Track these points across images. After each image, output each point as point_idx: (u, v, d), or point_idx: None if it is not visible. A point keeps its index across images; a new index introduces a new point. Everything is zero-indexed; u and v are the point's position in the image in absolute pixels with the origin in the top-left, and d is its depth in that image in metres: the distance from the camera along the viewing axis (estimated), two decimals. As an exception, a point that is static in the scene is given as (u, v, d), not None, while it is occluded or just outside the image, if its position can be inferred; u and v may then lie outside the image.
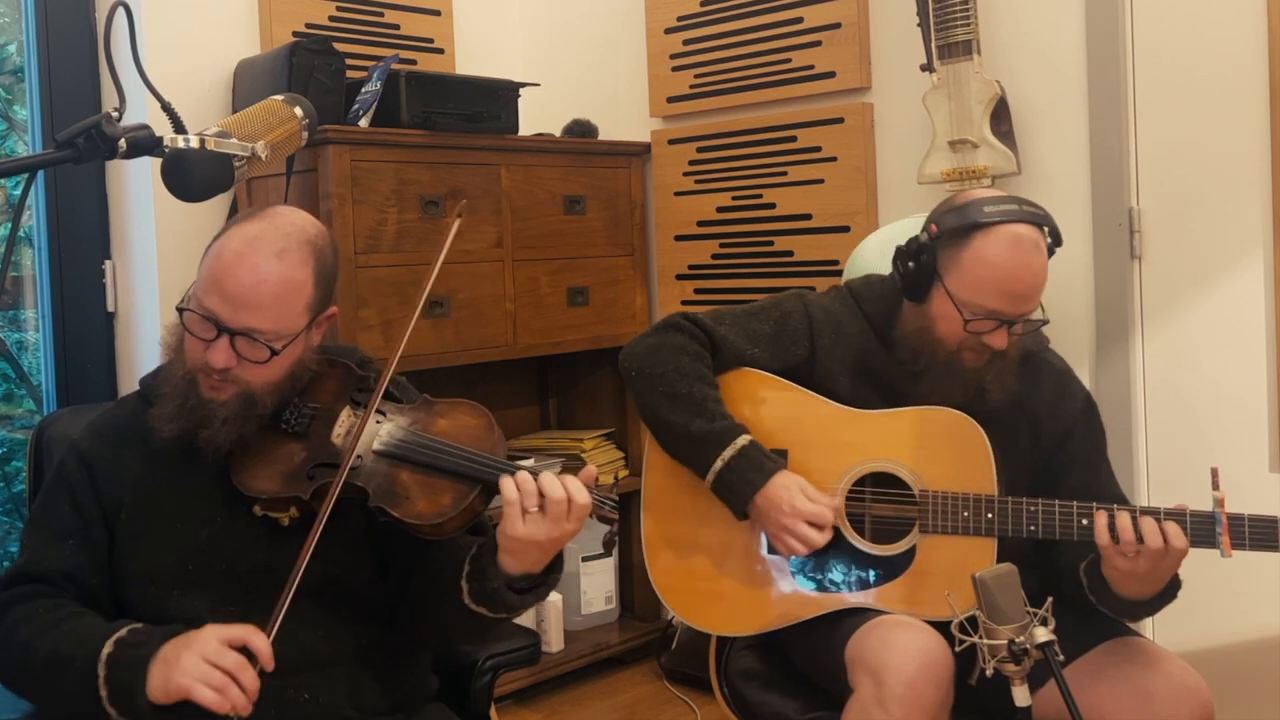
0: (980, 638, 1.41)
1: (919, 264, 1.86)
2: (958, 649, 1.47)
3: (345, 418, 1.60)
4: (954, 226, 1.82)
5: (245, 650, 1.41)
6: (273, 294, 1.51)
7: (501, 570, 1.50)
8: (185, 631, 1.45)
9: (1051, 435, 1.92)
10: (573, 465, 3.36)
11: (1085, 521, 1.74)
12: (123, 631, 1.47)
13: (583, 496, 1.48)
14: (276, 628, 1.44)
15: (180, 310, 1.55)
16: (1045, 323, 1.86)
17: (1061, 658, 1.40)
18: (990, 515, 1.80)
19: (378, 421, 1.59)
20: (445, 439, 1.56)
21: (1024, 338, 1.87)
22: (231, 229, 1.56)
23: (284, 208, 1.61)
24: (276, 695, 1.54)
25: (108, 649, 1.44)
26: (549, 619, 3.25)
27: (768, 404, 1.97)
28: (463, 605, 1.53)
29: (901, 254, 1.90)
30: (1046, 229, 1.83)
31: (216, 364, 1.51)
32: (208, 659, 1.39)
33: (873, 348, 1.96)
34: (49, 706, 1.55)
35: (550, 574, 1.55)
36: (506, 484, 1.47)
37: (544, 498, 1.46)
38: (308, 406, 1.60)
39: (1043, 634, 1.40)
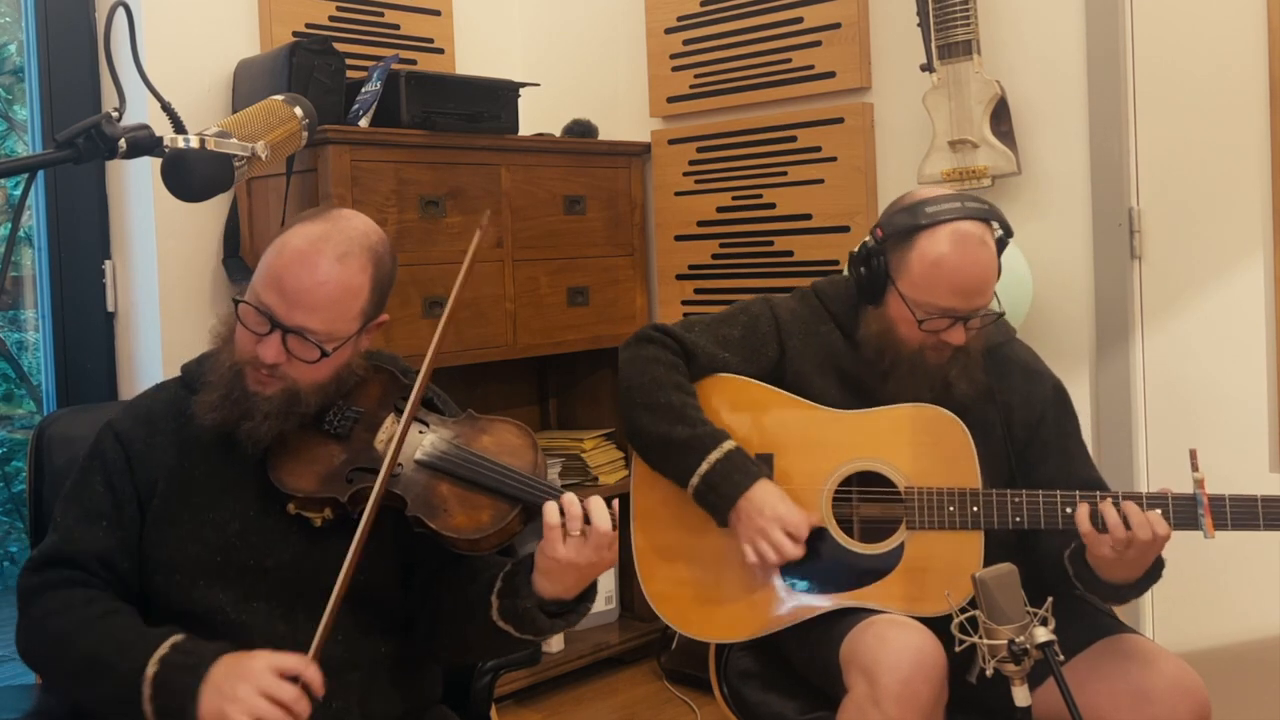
0: (980, 638, 1.42)
1: (870, 268, 1.88)
2: (958, 649, 1.47)
3: (389, 424, 1.60)
4: (899, 229, 1.84)
5: (297, 680, 1.40)
6: (330, 296, 1.51)
7: (535, 591, 1.50)
8: (232, 651, 1.43)
9: (1024, 423, 1.94)
10: (573, 465, 3.36)
11: (1069, 510, 1.76)
12: (165, 649, 1.44)
13: (606, 524, 1.47)
14: (319, 641, 1.42)
15: (236, 302, 1.55)
16: (1000, 315, 1.87)
17: (1061, 657, 1.41)
18: (976, 509, 1.81)
19: (420, 432, 1.58)
20: (488, 455, 1.56)
21: (984, 331, 1.88)
22: (296, 226, 1.56)
23: (349, 211, 1.61)
24: None
25: (153, 668, 1.42)
26: (549, 619, 3.25)
27: (749, 409, 1.97)
28: (489, 621, 1.53)
29: (854, 259, 1.91)
30: (993, 222, 1.85)
31: (266, 358, 1.51)
32: (264, 692, 1.38)
33: (841, 347, 1.97)
34: (82, 703, 1.53)
35: (582, 601, 1.54)
36: (549, 507, 1.47)
37: (589, 523, 1.46)
38: (351, 410, 1.60)
39: (1043, 634, 1.40)
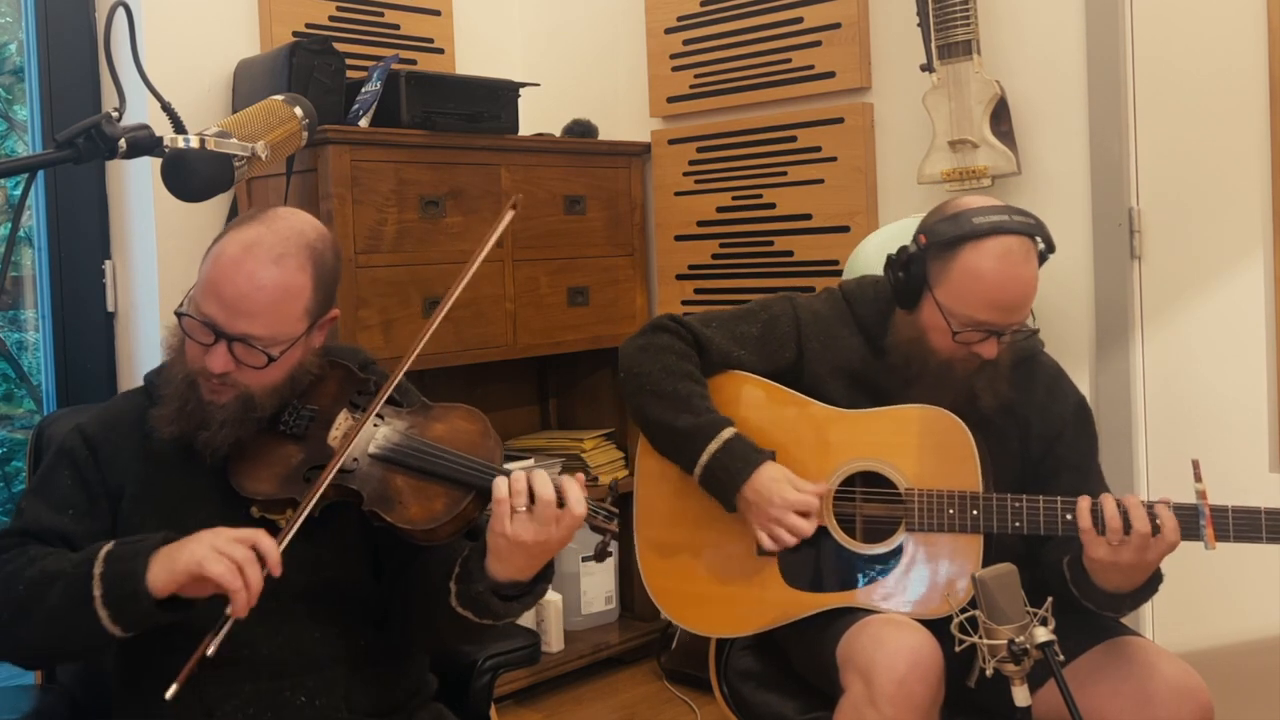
0: (980, 638, 1.42)
1: (909, 274, 1.85)
2: (958, 649, 1.47)
3: (342, 420, 1.60)
4: (943, 237, 1.81)
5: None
6: (270, 300, 1.50)
7: (488, 575, 1.49)
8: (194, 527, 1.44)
9: (1041, 438, 1.93)
10: (573, 465, 3.36)
11: (1070, 517, 1.75)
12: (124, 539, 1.45)
13: (579, 506, 1.46)
14: (285, 542, 1.43)
15: (179, 315, 1.55)
16: (1035, 332, 1.86)
17: (1061, 658, 1.41)
18: (975, 512, 1.80)
19: (375, 425, 1.58)
20: (441, 444, 1.55)
21: (1015, 344, 1.87)
22: (229, 233, 1.55)
23: (284, 210, 1.60)
24: (273, 697, 1.54)
25: (108, 547, 1.43)
26: (549, 619, 3.25)
27: (754, 405, 1.97)
28: (449, 607, 1.52)
29: (892, 263, 1.89)
30: (1038, 238, 1.82)
31: (215, 369, 1.51)
32: (218, 547, 1.38)
33: (863, 352, 1.96)
34: (34, 633, 1.46)
35: (538, 583, 1.53)
36: (498, 482, 1.46)
37: (533, 498, 1.45)
38: (306, 409, 1.60)
39: (1043, 634, 1.40)
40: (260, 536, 1.41)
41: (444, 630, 1.60)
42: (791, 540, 1.84)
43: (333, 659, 1.58)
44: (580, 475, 1.50)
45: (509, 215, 1.62)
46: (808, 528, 1.84)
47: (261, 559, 1.39)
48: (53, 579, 1.44)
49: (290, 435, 1.58)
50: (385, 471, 1.54)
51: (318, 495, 1.48)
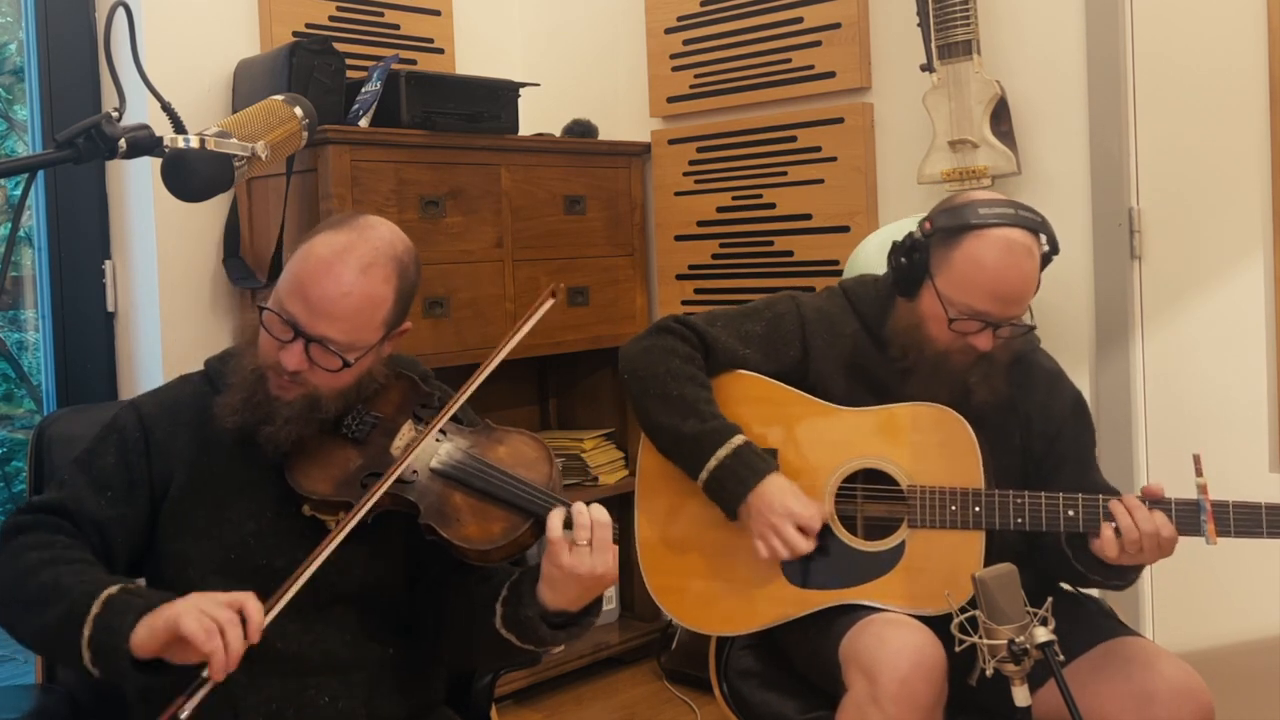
0: (980, 638, 1.42)
1: (911, 260, 1.87)
2: (958, 649, 1.47)
3: (406, 431, 1.61)
4: (948, 226, 1.83)
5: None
6: (354, 307, 1.52)
7: (539, 601, 1.50)
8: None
9: (1042, 435, 1.93)
10: (573, 465, 3.36)
11: (1071, 513, 1.76)
12: (131, 584, 1.45)
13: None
14: (276, 610, 1.42)
15: (260, 308, 1.56)
16: (1032, 328, 1.87)
17: (1061, 658, 1.41)
18: (978, 509, 1.81)
19: (437, 440, 1.59)
20: (503, 467, 1.56)
21: (1012, 341, 1.88)
22: (321, 234, 1.56)
23: (375, 219, 1.61)
24: (297, 695, 1.55)
25: (111, 590, 1.42)
26: (549, 619, 3.25)
27: (756, 404, 1.97)
28: (492, 629, 1.53)
29: (896, 249, 1.91)
30: (1043, 236, 1.83)
31: (289, 366, 1.52)
32: (202, 608, 1.37)
33: (866, 348, 1.96)
34: (25, 633, 1.49)
35: (586, 615, 1.54)
36: (556, 512, 1.47)
37: (594, 530, 1.46)
38: (370, 415, 1.61)
39: (1043, 634, 1.40)
40: (248, 601, 1.39)
41: (482, 650, 1.61)
42: (785, 553, 1.84)
43: (359, 663, 1.59)
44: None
45: (548, 303, 1.62)
46: (804, 545, 1.83)
47: (244, 622, 1.37)
48: (56, 600, 1.44)
49: (352, 439, 1.59)
50: (445, 487, 1.55)
51: (373, 501, 1.48)
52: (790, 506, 1.84)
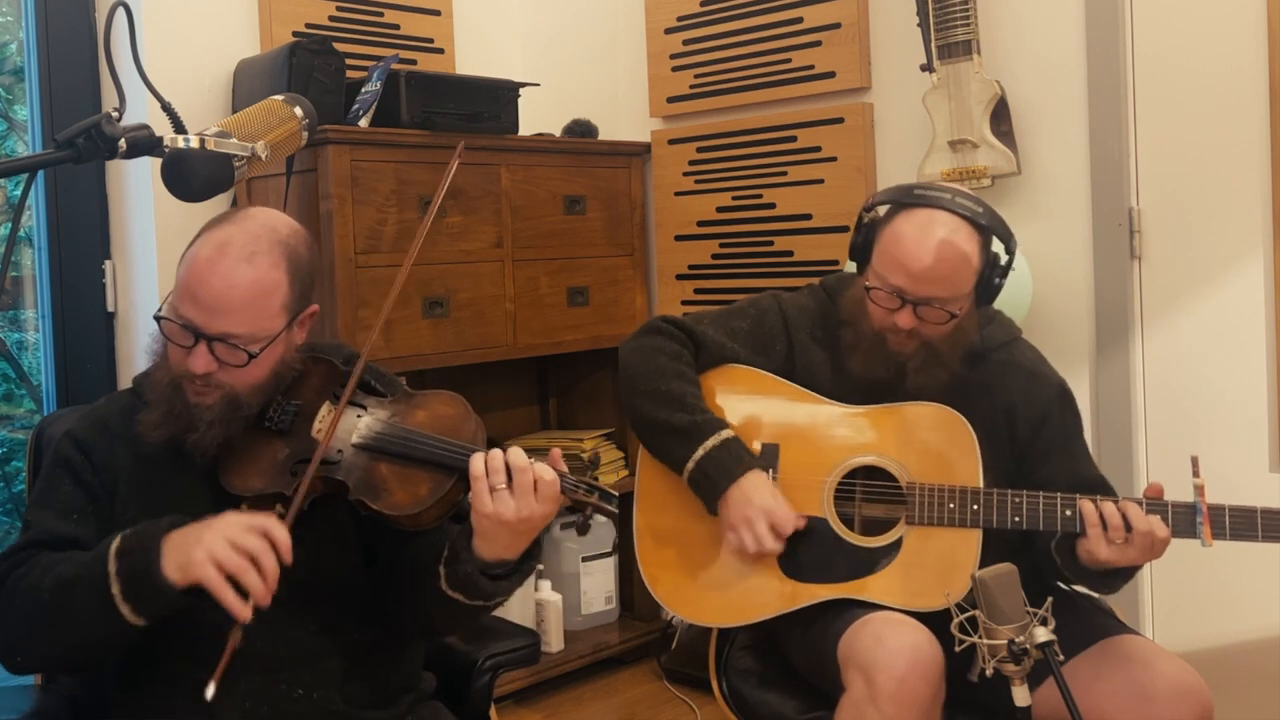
0: (980, 638, 1.42)
1: (864, 238, 1.92)
2: (958, 649, 1.47)
3: (325, 412, 1.61)
4: (888, 201, 1.90)
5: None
6: (245, 298, 1.52)
7: (476, 555, 1.50)
8: (192, 520, 1.45)
9: (1028, 423, 1.94)
10: (573, 465, 3.35)
11: (1069, 513, 1.77)
12: (128, 531, 1.46)
13: (548, 473, 1.48)
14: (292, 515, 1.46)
15: (158, 319, 1.56)
16: (954, 317, 1.86)
17: (1061, 657, 1.41)
18: (976, 507, 1.82)
19: (358, 415, 1.59)
20: (422, 429, 1.57)
21: (952, 332, 1.88)
22: (202, 235, 1.56)
23: (255, 209, 1.61)
24: (269, 691, 1.54)
25: (116, 543, 1.44)
26: (549, 619, 3.25)
27: (758, 399, 1.99)
28: (440, 591, 1.53)
29: (854, 227, 1.96)
30: (977, 227, 1.84)
31: (197, 369, 1.52)
32: (230, 539, 1.40)
33: (841, 338, 1.98)
34: (62, 639, 1.48)
35: (526, 561, 1.55)
36: (475, 461, 1.48)
37: (510, 474, 1.46)
38: (290, 404, 1.61)
39: (1043, 634, 1.40)
40: (272, 524, 1.42)
41: (436, 615, 1.61)
42: (753, 547, 1.85)
43: (327, 652, 1.59)
44: (557, 450, 1.53)
45: (455, 164, 1.63)
46: (772, 544, 1.86)
47: (274, 547, 1.41)
48: (72, 584, 1.45)
49: (276, 431, 1.59)
50: (369, 460, 1.55)
51: (306, 484, 1.49)
52: (768, 504, 1.86)
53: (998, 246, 1.89)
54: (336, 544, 1.62)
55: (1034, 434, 1.94)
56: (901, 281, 1.83)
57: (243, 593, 1.39)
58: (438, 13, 3.47)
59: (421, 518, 1.52)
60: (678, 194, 3.34)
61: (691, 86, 3.29)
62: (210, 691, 1.38)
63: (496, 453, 1.48)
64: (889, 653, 1.68)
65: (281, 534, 1.42)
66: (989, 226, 1.86)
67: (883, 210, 1.91)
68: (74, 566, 1.47)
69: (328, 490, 1.55)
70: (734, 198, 3.22)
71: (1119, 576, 1.81)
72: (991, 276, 1.88)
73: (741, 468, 1.88)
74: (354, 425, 1.58)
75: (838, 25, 2.98)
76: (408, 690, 1.69)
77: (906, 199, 1.87)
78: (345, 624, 1.62)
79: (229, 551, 1.39)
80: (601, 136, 3.43)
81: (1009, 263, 1.89)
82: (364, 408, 1.61)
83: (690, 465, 1.90)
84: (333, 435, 1.53)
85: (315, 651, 1.58)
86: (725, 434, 1.91)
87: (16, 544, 1.57)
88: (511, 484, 1.46)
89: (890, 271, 1.84)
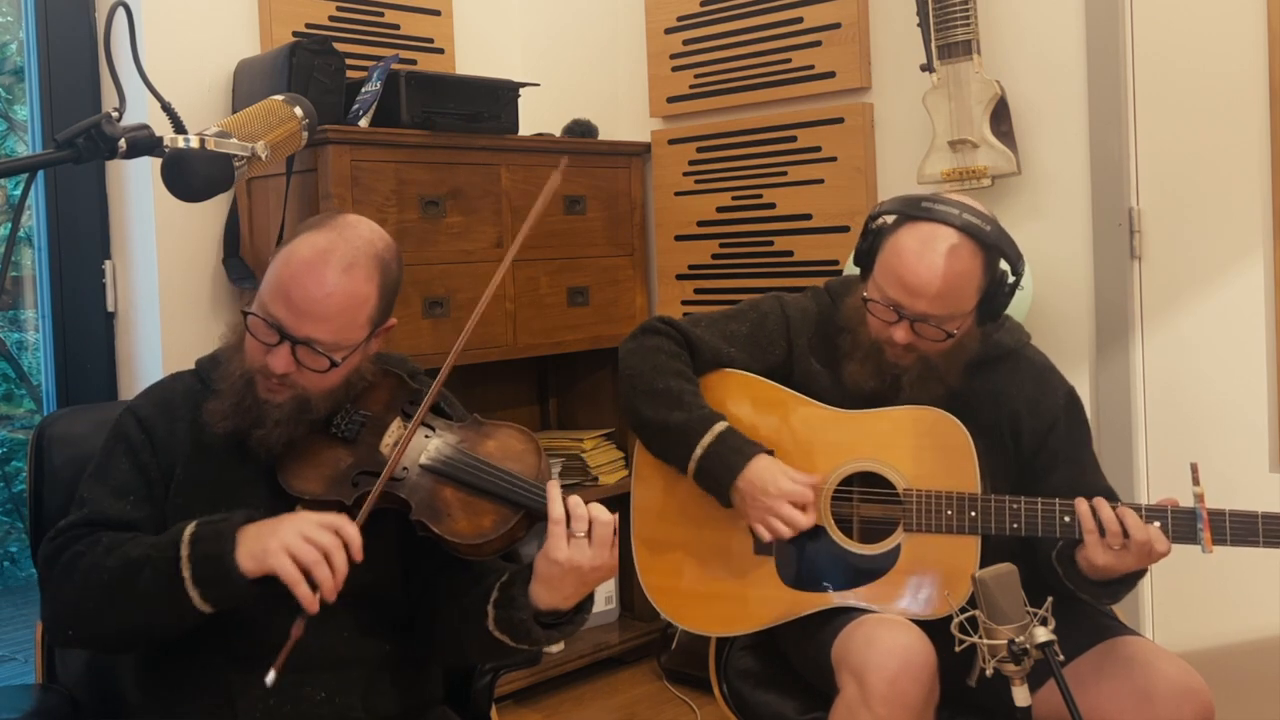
0: (980, 638, 1.42)
1: (870, 245, 1.90)
2: (958, 649, 1.47)
3: (395, 428, 1.61)
4: (895, 211, 1.87)
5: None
6: (338, 307, 1.53)
7: (531, 602, 1.50)
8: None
9: (1034, 431, 1.93)
10: (573, 465, 3.36)
11: (1068, 519, 1.76)
12: (200, 520, 1.48)
13: (605, 514, 1.48)
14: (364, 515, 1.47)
15: (245, 314, 1.56)
16: (950, 336, 1.83)
17: (1061, 657, 1.40)
18: (974, 513, 1.81)
19: (426, 436, 1.60)
20: (492, 460, 1.57)
21: (949, 348, 1.85)
22: (301, 237, 1.57)
23: (354, 218, 1.62)
24: (294, 691, 1.55)
25: (191, 528, 1.46)
26: (549, 619, 3.25)
27: (753, 404, 1.98)
28: (485, 630, 1.54)
29: (861, 232, 1.94)
30: (983, 244, 1.80)
31: (276, 369, 1.53)
32: (304, 534, 1.42)
33: (841, 343, 1.97)
34: (122, 619, 1.49)
35: (579, 613, 1.55)
36: (555, 504, 1.47)
37: (591, 524, 1.46)
38: (359, 414, 1.62)
39: (1043, 634, 1.40)
40: (344, 523, 1.44)
41: (472, 649, 1.62)
42: (787, 531, 1.84)
43: (355, 660, 1.60)
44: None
45: (558, 177, 1.63)
46: (804, 520, 1.84)
47: (346, 545, 1.44)
48: (139, 565, 1.46)
49: (342, 439, 1.60)
50: (435, 483, 1.56)
51: (375, 496, 1.49)
52: (782, 485, 1.84)
53: (1006, 265, 1.86)
54: (382, 558, 1.62)
55: (1040, 443, 1.93)
56: (899, 296, 1.81)
57: (311, 586, 1.41)
58: (438, 13, 3.47)
59: (483, 548, 1.53)
60: (678, 194, 3.34)
61: (691, 86, 3.29)
62: (271, 678, 1.39)
63: (578, 500, 1.48)
64: (880, 654, 1.67)
65: (354, 532, 1.44)
66: (995, 245, 1.81)
67: (890, 219, 1.88)
68: (142, 547, 1.48)
69: (387, 506, 1.55)
70: (734, 198, 3.21)
71: (1121, 585, 1.79)
72: (995, 296, 1.85)
73: (742, 458, 1.87)
74: (423, 446, 1.59)
75: (838, 25, 2.98)
76: (424, 702, 1.69)
77: (913, 211, 1.83)
78: (376, 635, 1.62)
79: (303, 544, 1.41)
80: (601, 136, 3.43)
81: (1015, 283, 1.85)
82: (433, 429, 1.61)
83: (692, 465, 1.89)
84: (403, 453, 1.53)
85: (345, 658, 1.59)
86: (720, 427, 1.89)
87: (73, 519, 1.57)
88: (590, 533, 1.46)
89: (889, 285, 1.83)
